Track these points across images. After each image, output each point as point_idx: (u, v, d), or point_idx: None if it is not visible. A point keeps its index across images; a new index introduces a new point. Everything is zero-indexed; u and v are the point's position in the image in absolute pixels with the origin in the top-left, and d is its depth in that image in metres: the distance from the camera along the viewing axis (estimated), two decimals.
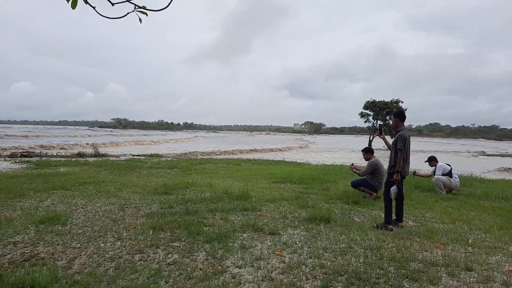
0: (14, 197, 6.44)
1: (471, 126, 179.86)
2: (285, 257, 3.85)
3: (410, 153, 5.34)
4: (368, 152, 7.64)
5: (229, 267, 3.55)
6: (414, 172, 9.27)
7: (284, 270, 3.49)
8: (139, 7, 2.42)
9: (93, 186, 7.86)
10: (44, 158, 15.55)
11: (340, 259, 3.80)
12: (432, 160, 8.91)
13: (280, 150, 40.09)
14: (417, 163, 14.37)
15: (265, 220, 5.30)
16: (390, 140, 5.86)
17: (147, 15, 2.55)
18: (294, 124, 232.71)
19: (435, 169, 8.61)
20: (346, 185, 8.46)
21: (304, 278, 3.31)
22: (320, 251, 4.06)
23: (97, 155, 17.68)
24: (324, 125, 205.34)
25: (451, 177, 8.34)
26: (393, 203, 5.32)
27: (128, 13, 2.54)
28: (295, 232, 4.79)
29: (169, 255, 3.81)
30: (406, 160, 5.23)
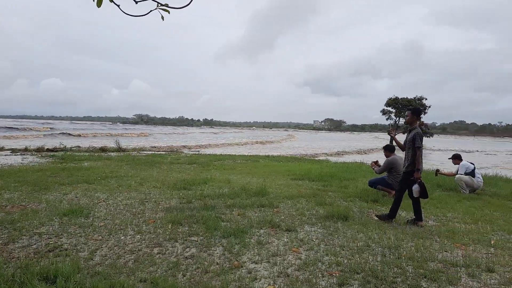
0: (39, 190, 6.69)
1: (498, 125, 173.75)
2: (301, 253, 3.86)
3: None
4: (387, 149, 7.53)
5: (245, 262, 3.58)
6: (437, 170, 9.06)
7: (300, 266, 3.50)
8: (162, 5, 2.47)
9: (115, 181, 8.06)
10: (68, 153, 16.04)
11: (357, 257, 3.77)
12: (456, 158, 8.68)
13: None
14: (440, 160, 14.03)
15: (282, 217, 5.31)
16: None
17: (169, 12, 2.59)
18: (314, 121, 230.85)
19: (459, 167, 8.39)
20: (366, 183, 8.35)
21: (320, 275, 3.31)
22: (337, 248, 4.04)
23: (119, 150, 18.09)
24: (344, 122, 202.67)
25: (473, 176, 8.10)
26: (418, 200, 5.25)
27: (151, 10, 2.59)
28: (312, 229, 4.78)
29: (187, 249, 3.87)
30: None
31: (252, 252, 3.84)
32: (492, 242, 4.45)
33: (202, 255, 3.72)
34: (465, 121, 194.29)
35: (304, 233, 4.59)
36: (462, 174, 8.18)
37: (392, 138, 5.73)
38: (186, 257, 3.65)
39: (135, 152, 18.25)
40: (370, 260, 3.71)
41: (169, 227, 4.60)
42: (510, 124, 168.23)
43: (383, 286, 3.13)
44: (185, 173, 10.06)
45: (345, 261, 3.65)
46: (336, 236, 4.50)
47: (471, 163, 8.36)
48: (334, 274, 3.33)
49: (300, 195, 6.98)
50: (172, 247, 3.94)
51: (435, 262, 3.70)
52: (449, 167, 12.43)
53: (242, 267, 3.46)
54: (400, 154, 7.16)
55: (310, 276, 3.26)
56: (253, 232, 4.51)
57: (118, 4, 2.47)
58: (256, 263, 3.55)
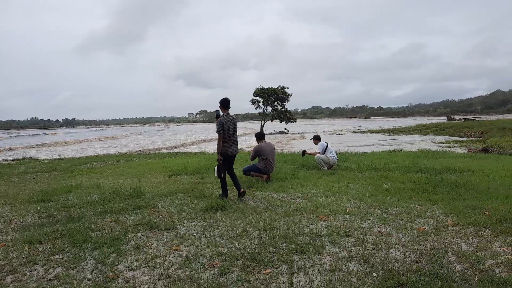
0: None
1: (346, 107, 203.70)
2: (182, 251, 3.79)
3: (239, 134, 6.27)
4: (256, 137, 8.00)
5: (122, 271, 3.33)
6: (304, 151, 10.05)
7: (181, 264, 3.43)
8: None
9: None
10: None
11: (237, 244, 3.91)
12: (316, 139, 9.74)
13: None
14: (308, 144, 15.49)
15: (161, 216, 5.13)
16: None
17: None
18: (189, 114, 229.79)
19: (317, 147, 9.46)
20: (241, 171, 8.70)
21: (202, 269, 3.31)
22: (218, 239, 4.11)
23: None
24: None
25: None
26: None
27: None
28: (192, 224, 4.75)
29: (51, 270, 3.39)
30: (227, 142, 5.97)
31: (129, 259, 3.60)
32: (347, 210, 5.17)
33: (70, 273, 3.31)
34: (320, 106, 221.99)
35: (185, 229, 4.53)
36: (320, 153, 9.26)
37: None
38: (49, 280, 3.19)
39: None
40: (249, 244, 3.89)
41: (26, 248, 3.94)
42: (354, 106, 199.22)
43: (261, 267, 3.32)
44: (43, 182, 8.80)
45: (226, 250, 3.74)
46: (216, 227, 4.57)
47: (326, 142, 9.51)
48: (215, 265, 3.38)
49: (179, 191, 6.86)
50: (31, 271, 3.39)
51: (304, 236, 4.10)
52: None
53: (118, 277, 3.21)
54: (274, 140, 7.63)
55: (192, 272, 3.23)
56: (129, 237, 4.23)
57: None
58: (134, 270, 3.35)
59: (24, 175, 10.28)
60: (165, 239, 4.16)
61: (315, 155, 9.49)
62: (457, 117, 70.69)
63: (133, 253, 3.75)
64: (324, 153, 9.23)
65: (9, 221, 5.16)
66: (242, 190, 6.12)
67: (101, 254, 3.69)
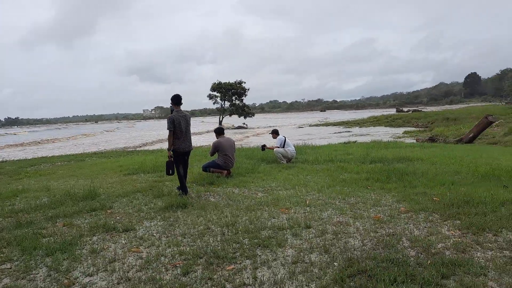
0: None
1: (302, 101, 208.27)
2: (142, 252, 3.68)
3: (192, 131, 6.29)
4: (215, 132, 7.93)
5: (77, 277, 3.17)
6: (264, 145, 10.13)
7: (142, 266, 3.33)
8: None
9: None
10: None
11: (199, 242, 3.85)
12: (274, 133, 9.84)
13: None
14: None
15: (118, 217, 4.93)
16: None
17: None
18: (144, 110, 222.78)
19: (276, 141, 9.57)
20: (200, 168, 8.59)
21: (163, 270, 3.23)
22: (179, 238, 4.03)
23: None
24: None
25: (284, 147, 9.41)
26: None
27: None
28: (152, 223, 4.62)
29: None
30: (179, 138, 5.98)
31: (85, 264, 3.43)
32: (307, 202, 5.28)
33: (20, 283, 3.10)
34: (278, 100, 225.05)
35: (144, 229, 4.39)
36: (278, 147, 9.38)
37: None
38: None
39: None
40: (211, 241, 3.85)
41: None
42: (310, 100, 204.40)
43: (225, 263, 3.30)
44: None
45: (188, 248, 3.68)
46: (177, 225, 4.48)
47: (284, 136, 9.64)
48: (177, 265, 3.31)
49: (136, 190, 6.63)
50: None
51: (266, 230, 4.13)
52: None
53: (74, 284, 3.05)
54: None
55: (153, 274, 3.14)
56: (84, 241, 4.03)
57: None
58: (91, 276, 3.19)
59: None
60: (123, 241, 4.01)
61: (274, 149, 9.59)
62: (405, 109, 74.56)
63: (89, 257, 3.58)
64: (283, 147, 9.35)
65: None
66: (186, 193, 6.08)
67: (54, 261, 3.48)
